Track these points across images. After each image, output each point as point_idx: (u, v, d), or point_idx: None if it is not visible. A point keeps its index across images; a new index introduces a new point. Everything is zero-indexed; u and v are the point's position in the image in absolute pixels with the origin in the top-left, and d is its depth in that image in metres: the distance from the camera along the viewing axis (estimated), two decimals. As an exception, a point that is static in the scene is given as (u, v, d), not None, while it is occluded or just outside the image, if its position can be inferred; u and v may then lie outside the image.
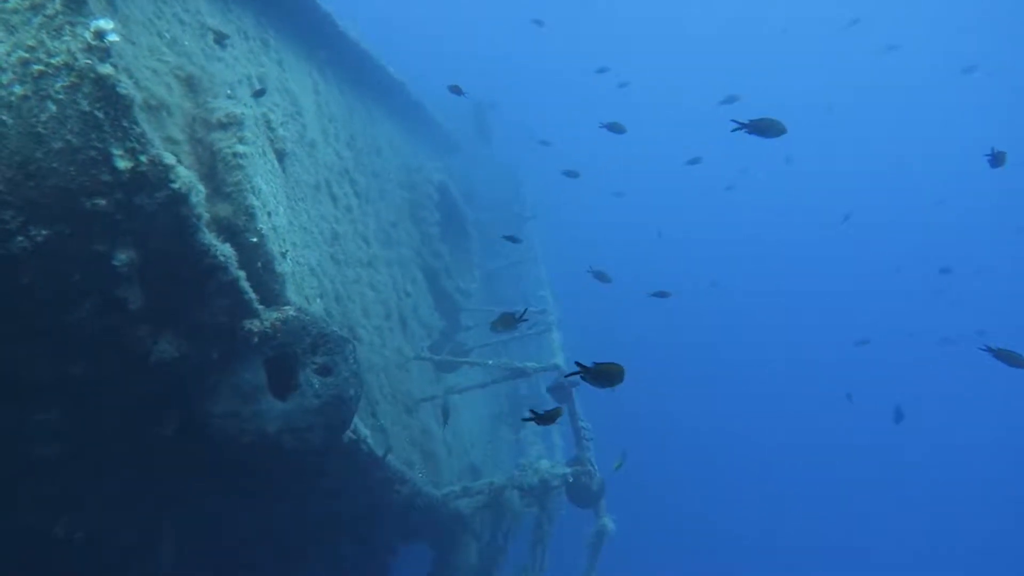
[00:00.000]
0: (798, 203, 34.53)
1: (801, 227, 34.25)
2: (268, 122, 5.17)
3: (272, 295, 4.71)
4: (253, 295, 4.09)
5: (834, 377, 28.78)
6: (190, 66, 4.75)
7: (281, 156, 5.31)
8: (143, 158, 3.33)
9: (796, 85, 35.25)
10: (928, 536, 27.20)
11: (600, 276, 8.77)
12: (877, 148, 36.65)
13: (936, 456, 29.79)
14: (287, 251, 4.92)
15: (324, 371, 4.60)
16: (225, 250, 3.84)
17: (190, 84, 4.71)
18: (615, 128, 8.84)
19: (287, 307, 4.48)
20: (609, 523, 8.00)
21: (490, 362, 8.66)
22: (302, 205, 5.67)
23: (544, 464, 7.91)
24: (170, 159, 3.45)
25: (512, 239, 8.71)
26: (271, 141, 5.16)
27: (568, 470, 7.86)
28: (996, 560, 26.57)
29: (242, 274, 4.00)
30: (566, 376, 8.34)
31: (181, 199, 3.52)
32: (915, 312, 31.55)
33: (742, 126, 4.90)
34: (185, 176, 3.52)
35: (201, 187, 3.64)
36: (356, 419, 5.27)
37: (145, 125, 3.33)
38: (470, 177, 15.98)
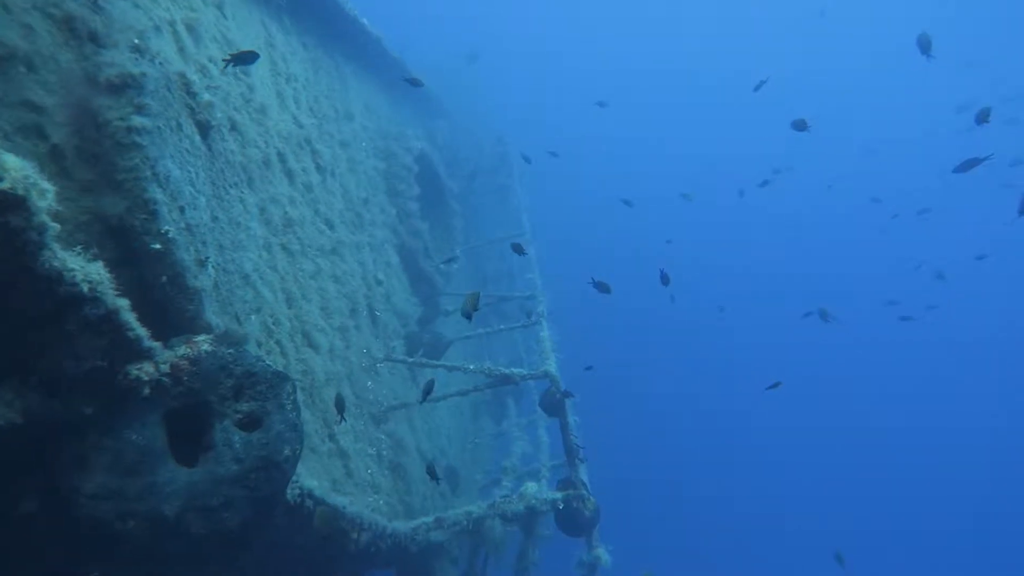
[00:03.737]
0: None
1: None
2: (187, 84, 3.92)
3: (184, 318, 3.55)
4: (140, 331, 2.92)
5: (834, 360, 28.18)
6: (71, 3, 3.49)
7: (205, 129, 4.08)
8: (-64, 142, 2.14)
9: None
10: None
11: (601, 287, 7.70)
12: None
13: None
14: (208, 258, 3.74)
15: (251, 423, 3.46)
16: (92, 273, 2.66)
17: (71, 28, 3.45)
18: (799, 126, 8.48)
19: (200, 339, 3.32)
20: (604, 555, 6.99)
21: (471, 367, 7.56)
22: (235, 191, 4.46)
23: (531, 488, 6.87)
24: None
25: (518, 249, 7.67)
26: (191, 110, 3.92)
27: (558, 495, 6.84)
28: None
29: (124, 303, 2.83)
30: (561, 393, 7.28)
31: (11, 205, 2.33)
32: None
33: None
34: (17, 168, 2.33)
35: (47, 184, 2.45)
36: (300, 467, 4.18)
37: None
38: (453, 144, 14.70)
